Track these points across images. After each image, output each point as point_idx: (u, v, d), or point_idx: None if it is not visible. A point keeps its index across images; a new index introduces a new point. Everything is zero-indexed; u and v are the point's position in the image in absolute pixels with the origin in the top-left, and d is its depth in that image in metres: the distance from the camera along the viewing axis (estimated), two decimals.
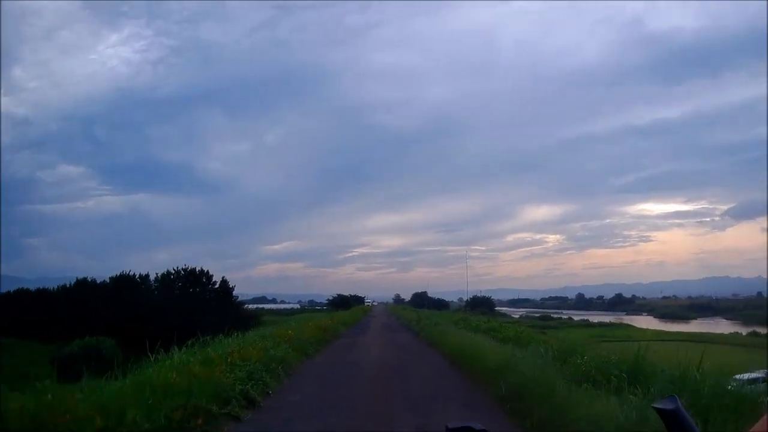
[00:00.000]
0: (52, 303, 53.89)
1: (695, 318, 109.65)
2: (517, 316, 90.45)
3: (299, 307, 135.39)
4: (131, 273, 60.23)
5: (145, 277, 61.35)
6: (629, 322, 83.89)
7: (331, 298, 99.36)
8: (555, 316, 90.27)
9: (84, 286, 58.16)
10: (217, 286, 63.03)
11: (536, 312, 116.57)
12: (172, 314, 48.41)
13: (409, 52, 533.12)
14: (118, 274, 59.46)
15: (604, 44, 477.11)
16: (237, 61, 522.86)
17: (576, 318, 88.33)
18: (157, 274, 62.29)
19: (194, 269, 62.20)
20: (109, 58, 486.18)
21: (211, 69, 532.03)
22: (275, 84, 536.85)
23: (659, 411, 1.25)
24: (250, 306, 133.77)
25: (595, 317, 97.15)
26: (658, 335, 53.56)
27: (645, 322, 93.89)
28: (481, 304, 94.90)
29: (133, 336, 41.58)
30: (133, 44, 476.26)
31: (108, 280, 59.05)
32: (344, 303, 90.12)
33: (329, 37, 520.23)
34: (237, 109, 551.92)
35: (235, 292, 64.51)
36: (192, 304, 54.61)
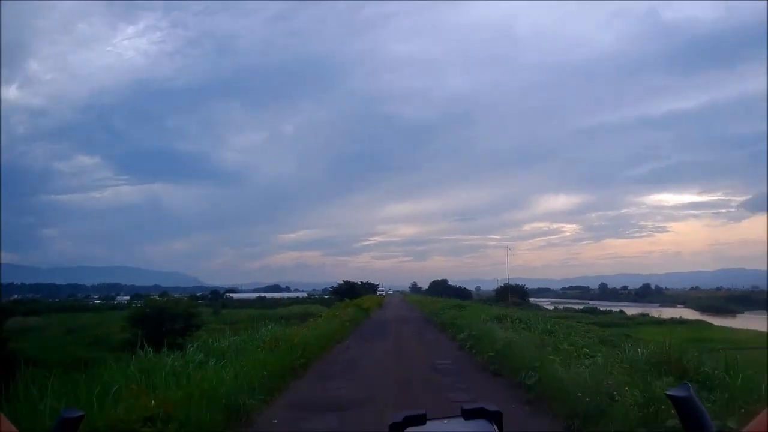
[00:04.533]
0: None
1: (741, 312, 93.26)
2: (551, 308, 73.08)
3: (306, 296, 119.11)
4: None
5: None
6: (660, 315, 67.14)
7: (336, 285, 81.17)
8: (602, 308, 72.15)
9: None
10: None
11: (572, 303, 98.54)
12: None
13: (427, 42, 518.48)
14: None
15: (619, 35, 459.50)
16: (253, 52, 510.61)
17: (627, 311, 70.44)
18: None
19: None
20: (126, 50, 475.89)
21: (227, 60, 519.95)
22: (292, 75, 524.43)
23: (672, 398, 1.15)
24: (248, 296, 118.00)
25: (629, 309, 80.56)
26: None
27: (681, 314, 77.61)
28: (512, 294, 77.08)
29: None
30: (149, 36, 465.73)
31: None
32: (352, 291, 72.85)
33: (346, 27, 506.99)
34: (253, 100, 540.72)
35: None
36: None
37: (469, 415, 1.30)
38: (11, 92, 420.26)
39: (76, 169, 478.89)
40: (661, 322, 48.49)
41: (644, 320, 50.02)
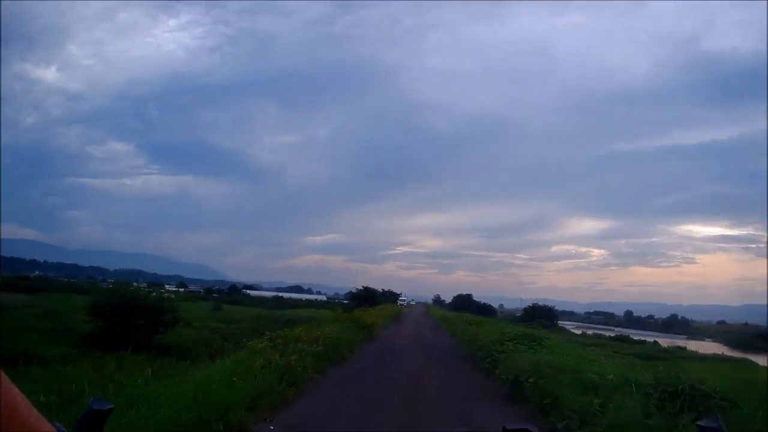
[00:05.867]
0: None
1: None
2: (578, 332, 68.48)
3: (326, 299, 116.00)
4: None
5: None
6: (695, 348, 62.06)
7: (354, 290, 77.33)
8: (636, 338, 67.27)
9: None
10: None
11: (598, 328, 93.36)
12: None
13: (463, 57, 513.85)
14: None
15: (657, 63, 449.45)
16: (292, 54, 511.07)
17: (666, 342, 65.57)
18: None
19: None
20: (166, 42, 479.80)
21: (265, 60, 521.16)
22: (328, 79, 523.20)
23: (702, 429, 1.19)
24: (266, 294, 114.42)
25: (659, 339, 75.57)
26: None
27: (712, 348, 72.43)
28: (539, 315, 72.82)
29: None
30: (191, 30, 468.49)
31: None
32: (371, 298, 69.40)
33: (385, 36, 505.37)
34: (289, 101, 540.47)
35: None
36: None
37: None
38: (49, 74, 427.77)
39: (108, 154, 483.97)
40: (703, 358, 44.02)
41: (682, 354, 45.60)
